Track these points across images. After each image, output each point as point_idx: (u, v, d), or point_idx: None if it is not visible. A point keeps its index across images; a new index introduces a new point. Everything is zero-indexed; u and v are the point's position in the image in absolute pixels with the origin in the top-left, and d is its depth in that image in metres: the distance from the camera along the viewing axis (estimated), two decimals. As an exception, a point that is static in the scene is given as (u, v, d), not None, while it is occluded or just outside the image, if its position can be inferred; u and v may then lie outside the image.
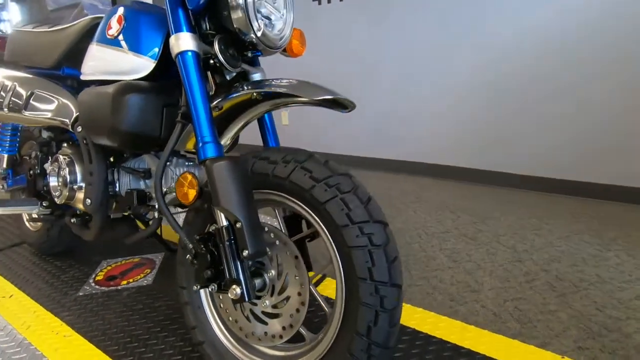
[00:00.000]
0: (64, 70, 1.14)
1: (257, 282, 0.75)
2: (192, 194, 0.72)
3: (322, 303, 0.76)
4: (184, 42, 0.76)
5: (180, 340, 1.02)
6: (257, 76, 0.96)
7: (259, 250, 0.69)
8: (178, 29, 0.77)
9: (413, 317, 1.14)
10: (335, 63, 2.94)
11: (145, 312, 1.15)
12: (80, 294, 1.26)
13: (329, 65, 2.98)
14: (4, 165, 1.39)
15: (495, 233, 1.78)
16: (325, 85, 0.76)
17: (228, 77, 0.88)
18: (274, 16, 0.85)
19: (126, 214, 1.04)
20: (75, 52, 1.08)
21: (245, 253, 0.68)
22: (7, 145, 1.37)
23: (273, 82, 0.77)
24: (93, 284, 1.32)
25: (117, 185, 1.04)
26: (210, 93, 0.88)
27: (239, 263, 0.69)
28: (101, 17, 1.02)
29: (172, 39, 0.77)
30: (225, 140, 0.93)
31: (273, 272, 0.75)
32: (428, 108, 2.61)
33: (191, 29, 0.78)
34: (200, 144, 0.73)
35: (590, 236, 1.71)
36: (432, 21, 2.45)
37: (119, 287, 1.29)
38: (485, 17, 2.27)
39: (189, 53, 0.76)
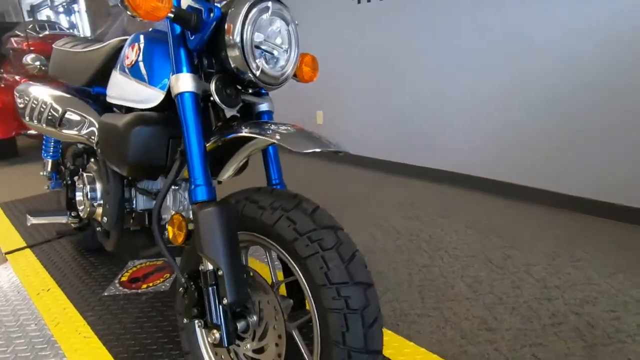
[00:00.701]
0: (94, 89, 1.21)
1: (240, 324, 0.76)
2: (180, 236, 0.74)
3: (303, 352, 0.76)
4: (182, 83, 0.77)
5: (182, 355, 1.07)
6: (263, 106, 0.95)
7: (239, 299, 0.70)
8: (178, 69, 0.78)
9: (414, 358, 1.10)
10: (369, 63, 2.84)
11: (157, 321, 1.22)
12: (105, 294, 1.37)
13: (362, 64, 2.89)
14: (49, 169, 1.53)
15: (526, 261, 1.65)
16: (322, 132, 0.74)
17: (233, 111, 0.88)
18: (277, 51, 0.83)
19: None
20: (104, 72, 1.15)
21: (225, 301, 0.69)
22: (51, 151, 1.50)
23: (271, 127, 0.75)
24: (118, 285, 1.42)
25: (134, 202, 1.10)
26: (213, 128, 0.89)
27: (220, 308, 0.71)
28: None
29: (173, 79, 0.78)
30: (228, 173, 0.94)
31: (255, 317, 0.76)
32: (467, 115, 2.45)
33: (191, 69, 0.79)
34: (192, 186, 0.75)
35: None
36: (473, 23, 2.27)
37: (139, 291, 1.38)
38: (533, 18, 2.06)
39: (187, 94, 0.77)
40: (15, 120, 3.44)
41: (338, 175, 2.98)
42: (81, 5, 7.61)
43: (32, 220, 1.24)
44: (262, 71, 0.79)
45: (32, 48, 3.37)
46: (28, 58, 1.48)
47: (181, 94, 0.77)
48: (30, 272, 1.54)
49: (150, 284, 1.42)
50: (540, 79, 2.13)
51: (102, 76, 1.17)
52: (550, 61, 2.06)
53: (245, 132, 0.75)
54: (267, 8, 0.77)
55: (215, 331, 0.70)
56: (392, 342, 1.16)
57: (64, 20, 7.90)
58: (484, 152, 2.44)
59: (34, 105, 1.28)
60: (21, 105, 1.35)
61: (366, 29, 2.80)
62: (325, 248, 0.66)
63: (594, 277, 1.51)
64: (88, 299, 1.34)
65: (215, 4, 0.78)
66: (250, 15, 0.76)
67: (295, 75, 1.03)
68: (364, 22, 2.80)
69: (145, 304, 1.31)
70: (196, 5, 0.76)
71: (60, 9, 7.78)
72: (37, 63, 1.47)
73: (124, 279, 1.46)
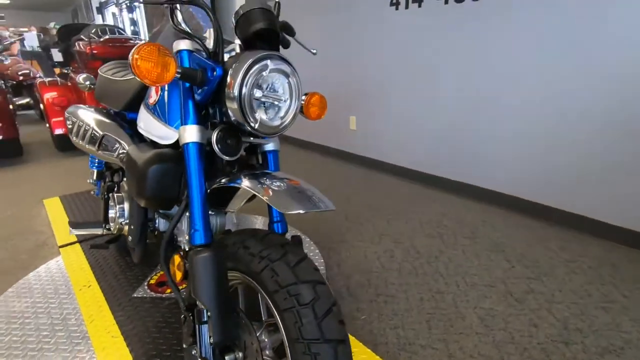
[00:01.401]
0: (128, 115, 1.34)
1: (229, 357, 0.83)
2: (179, 275, 0.82)
3: (283, 389, 0.81)
4: (188, 134, 0.84)
5: (192, 365, 1.18)
6: (269, 146, 1.00)
7: (223, 340, 0.76)
8: (186, 121, 0.85)
9: (406, 394, 1.11)
10: (407, 70, 2.78)
11: (175, 327, 1.34)
12: (135, 295, 1.53)
13: (399, 71, 2.83)
14: (94, 178, 1.71)
15: (550, 297, 1.56)
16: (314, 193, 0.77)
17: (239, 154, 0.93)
18: (278, 102, 0.87)
19: None
20: (137, 101, 1.26)
21: (211, 340, 0.76)
22: (96, 163, 1.68)
23: (266, 182, 0.79)
24: (146, 287, 1.58)
25: (157, 222, 1.21)
26: (219, 167, 0.96)
27: (209, 345, 0.78)
28: None
29: (181, 130, 0.85)
30: (237, 206, 1.01)
31: (241, 354, 0.82)
32: (512, 130, 2.33)
33: (197, 121, 0.85)
34: (192, 230, 0.82)
35: (680, 326, 1.39)
36: (526, 29, 2.13)
37: (163, 295, 1.52)
38: (597, 30, 1.89)
39: (191, 144, 0.84)
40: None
41: (371, 184, 2.97)
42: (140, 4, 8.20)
43: (74, 232, 1.41)
44: (261, 123, 0.84)
45: (94, 51, 3.71)
46: (80, 78, 1.65)
47: (186, 144, 0.84)
48: (77, 267, 1.75)
49: (174, 289, 1.55)
50: (608, 99, 1.97)
51: (135, 104, 1.28)
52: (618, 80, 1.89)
53: (242, 185, 0.81)
54: (267, 66, 0.81)
55: (203, 364, 0.78)
56: (388, 375, 1.18)
57: (126, 17, 8.52)
58: (529, 172, 2.32)
59: (80, 127, 1.44)
60: (70, 126, 1.53)
61: (403, 35, 2.74)
62: (302, 303, 0.70)
63: (624, 324, 1.40)
64: (120, 298, 1.50)
65: (218, 64, 0.84)
66: (251, 72, 0.80)
67: (302, 112, 1.06)
68: (401, 28, 2.74)
69: (166, 309, 1.44)
70: (201, 64, 0.83)
71: (124, 6, 8.41)
72: (87, 83, 1.63)
73: (152, 281, 1.61)
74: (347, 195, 2.72)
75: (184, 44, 0.86)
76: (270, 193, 0.75)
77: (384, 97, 3.01)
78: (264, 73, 0.81)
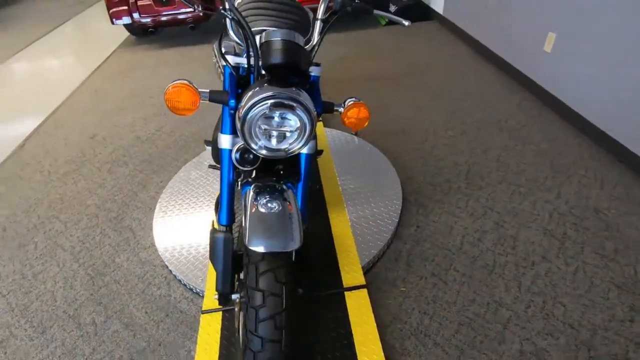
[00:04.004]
0: None
1: (234, 296, 1.18)
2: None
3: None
4: (223, 141, 1.02)
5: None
6: (304, 149, 1.08)
7: (225, 289, 1.09)
8: (221, 130, 1.02)
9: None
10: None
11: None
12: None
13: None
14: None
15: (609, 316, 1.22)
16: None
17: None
18: (287, 133, 0.92)
19: None
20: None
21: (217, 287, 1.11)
22: None
23: (259, 201, 0.92)
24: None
25: None
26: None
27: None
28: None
29: (218, 136, 1.04)
30: None
31: (239, 296, 1.15)
32: None
33: (231, 131, 1.01)
34: (219, 209, 1.09)
35: None
36: None
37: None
38: None
39: (224, 150, 1.03)
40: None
41: (533, 128, 2.41)
42: None
43: (207, 146, 1.91)
44: (265, 147, 0.93)
45: None
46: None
47: (221, 149, 1.04)
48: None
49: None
50: None
51: None
52: None
53: (242, 195, 0.98)
54: (273, 104, 0.85)
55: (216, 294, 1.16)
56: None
57: None
58: None
59: (215, 62, 1.77)
60: (214, 59, 1.88)
61: None
62: (252, 305, 0.91)
63: None
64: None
65: (231, 98, 0.92)
66: (254, 108, 0.86)
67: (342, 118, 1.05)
68: None
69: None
70: (227, 89, 0.94)
71: None
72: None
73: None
74: (489, 143, 2.33)
75: (227, 60, 0.96)
76: (254, 212, 0.91)
77: (607, 22, 2.07)
78: (266, 111, 0.86)
